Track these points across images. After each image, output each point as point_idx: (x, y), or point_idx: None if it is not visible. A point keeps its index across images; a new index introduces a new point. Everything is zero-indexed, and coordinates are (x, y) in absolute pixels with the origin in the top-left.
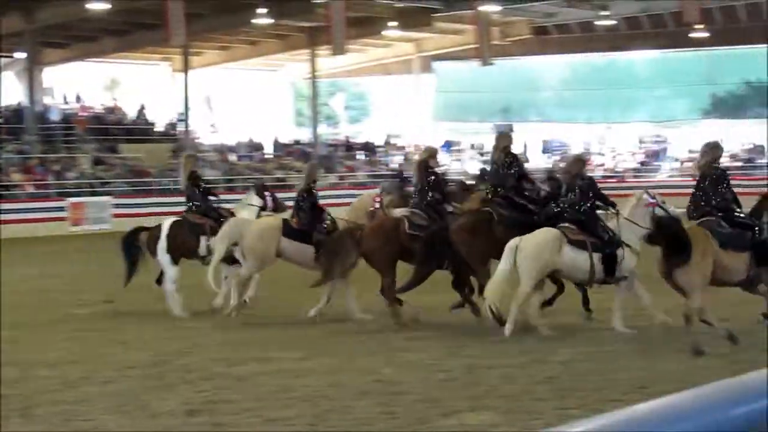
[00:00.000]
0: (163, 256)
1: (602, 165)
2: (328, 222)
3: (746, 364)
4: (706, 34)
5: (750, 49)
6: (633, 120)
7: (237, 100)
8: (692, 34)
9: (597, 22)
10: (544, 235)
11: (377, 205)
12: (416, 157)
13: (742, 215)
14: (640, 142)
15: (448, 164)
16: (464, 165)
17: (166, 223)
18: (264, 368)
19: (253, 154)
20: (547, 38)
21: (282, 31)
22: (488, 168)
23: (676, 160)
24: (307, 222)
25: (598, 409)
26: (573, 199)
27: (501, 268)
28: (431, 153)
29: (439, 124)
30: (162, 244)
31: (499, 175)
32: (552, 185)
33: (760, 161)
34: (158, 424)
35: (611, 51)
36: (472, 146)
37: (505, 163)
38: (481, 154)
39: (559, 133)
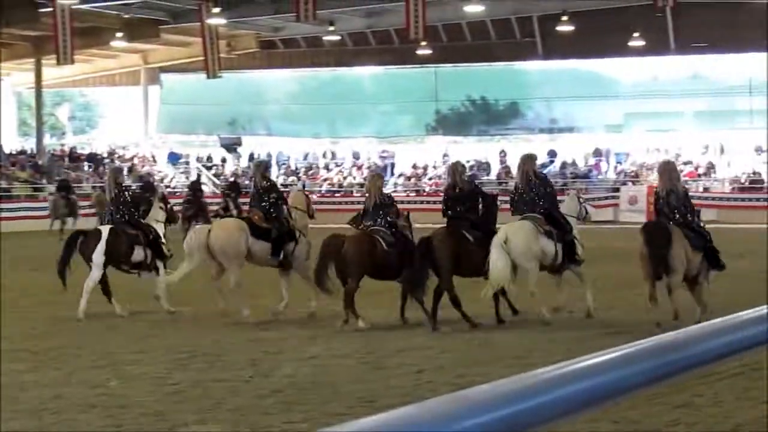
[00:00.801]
0: (99, 258)
1: (328, 180)
2: (285, 218)
3: (478, 378)
4: (429, 51)
5: (473, 67)
6: (359, 135)
7: None
8: (418, 51)
9: (324, 37)
10: (525, 225)
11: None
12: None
13: (697, 224)
14: (355, 157)
15: (172, 176)
16: (191, 177)
17: (105, 230)
18: None
19: None
20: (274, 52)
21: (6, 40)
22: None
23: (401, 175)
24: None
25: (324, 423)
26: (531, 194)
27: (497, 258)
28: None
29: (165, 136)
30: (100, 248)
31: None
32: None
33: (485, 178)
34: None
35: (337, 66)
36: (198, 159)
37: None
38: (208, 168)
39: (286, 146)
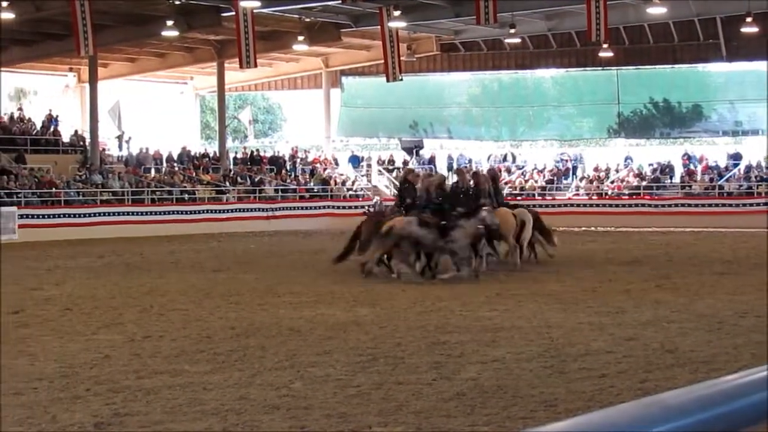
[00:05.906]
0: None
1: (509, 183)
2: None
3: (662, 382)
4: (611, 54)
5: (656, 69)
6: (540, 138)
7: (145, 111)
8: (599, 53)
9: (505, 40)
10: None
11: None
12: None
13: None
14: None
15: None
16: (372, 179)
17: None
18: (173, 381)
19: (161, 166)
20: (455, 55)
21: (190, 44)
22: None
23: (582, 178)
24: None
25: (506, 427)
26: None
27: None
28: None
29: (346, 139)
30: None
31: None
32: None
33: (667, 181)
34: None
35: (518, 69)
36: (379, 161)
37: None
38: (389, 170)
39: (466, 149)
